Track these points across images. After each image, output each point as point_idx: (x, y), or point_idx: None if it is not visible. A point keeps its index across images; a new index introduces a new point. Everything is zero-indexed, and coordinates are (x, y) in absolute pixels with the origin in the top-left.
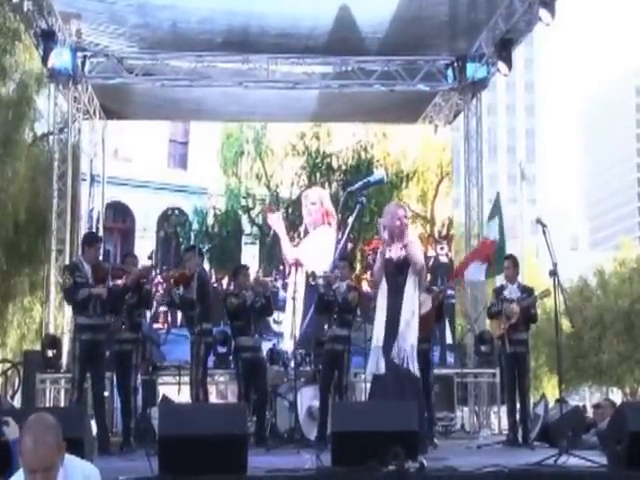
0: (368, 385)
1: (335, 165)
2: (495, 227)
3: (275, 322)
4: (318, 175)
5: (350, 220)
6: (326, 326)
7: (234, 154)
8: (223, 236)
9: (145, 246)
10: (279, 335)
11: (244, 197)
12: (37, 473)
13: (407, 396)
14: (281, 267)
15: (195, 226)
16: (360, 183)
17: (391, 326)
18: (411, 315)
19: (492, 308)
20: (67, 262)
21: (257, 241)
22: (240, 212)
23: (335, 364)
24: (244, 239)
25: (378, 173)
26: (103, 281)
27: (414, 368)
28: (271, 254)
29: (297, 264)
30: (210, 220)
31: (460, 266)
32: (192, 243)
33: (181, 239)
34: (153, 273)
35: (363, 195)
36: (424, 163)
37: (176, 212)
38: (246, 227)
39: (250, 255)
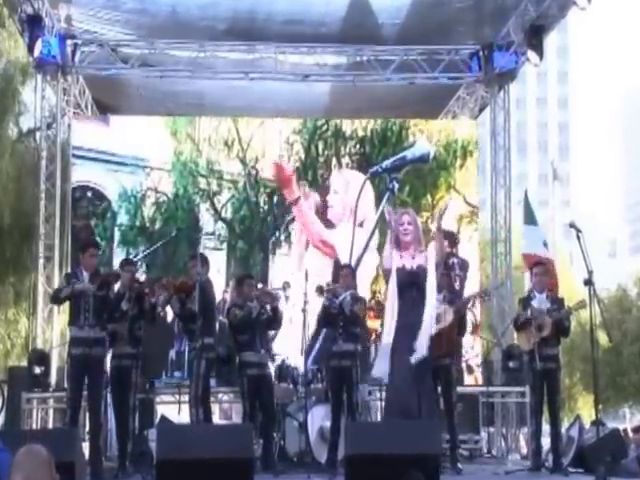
0: (384, 404)
1: (348, 130)
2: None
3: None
4: (321, 145)
5: (376, 214)
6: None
7: None
8: (169, 235)
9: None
10: None
11: (204, 175)
12: None
13: (424, 408)
14: (260, 285)
15: (123, 218)
16: (392, 160)
17: (411, 331)
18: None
19: (519, 319)
20: (56, 270)
21: (224, 245)
22: (198, 199)
23: (343, 381)
24: (204, 241)
25: (421, 146)
26: (101, 288)
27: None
28: (246, 264)
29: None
30: (148, 210)
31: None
32: (121, 244)
33: (98, 238)
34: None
35: (395, 179)
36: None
37: (89, 194)
38: (207, 223)
39: (214, 267)
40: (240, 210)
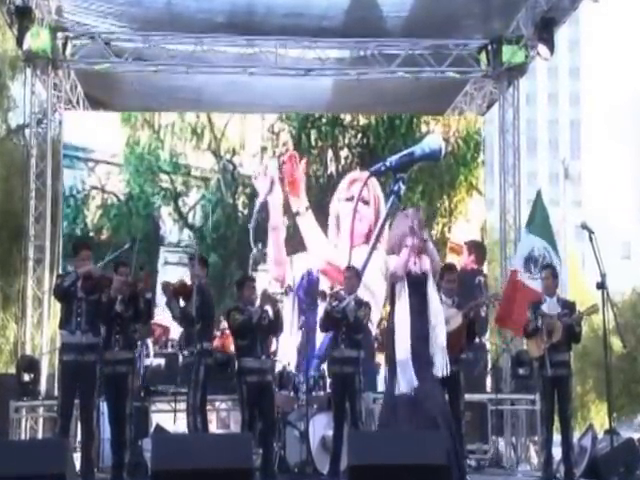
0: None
1: (347, 119)
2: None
3: None
4: (312, 135)
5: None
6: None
7: None
8: (120, 247)
9: None
10: None
11: (167, 171)
12: None
13: (440, 418)
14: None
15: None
16: (399, 155)
17: (418, 340)
18: (436, 319)
19: (529, 325)
20: (46, 273)
21: (193, 259)
22: (158, 200)
23: (346, 389)
24: (164, 254)
25: (431, 140)
26: (93, 293)
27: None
28: (220, 283)
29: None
30: (93, 214)
31: (502, 312)
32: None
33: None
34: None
35: (401, 179)
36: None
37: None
38: (170, 231)
39: None
40: (212, 215)
